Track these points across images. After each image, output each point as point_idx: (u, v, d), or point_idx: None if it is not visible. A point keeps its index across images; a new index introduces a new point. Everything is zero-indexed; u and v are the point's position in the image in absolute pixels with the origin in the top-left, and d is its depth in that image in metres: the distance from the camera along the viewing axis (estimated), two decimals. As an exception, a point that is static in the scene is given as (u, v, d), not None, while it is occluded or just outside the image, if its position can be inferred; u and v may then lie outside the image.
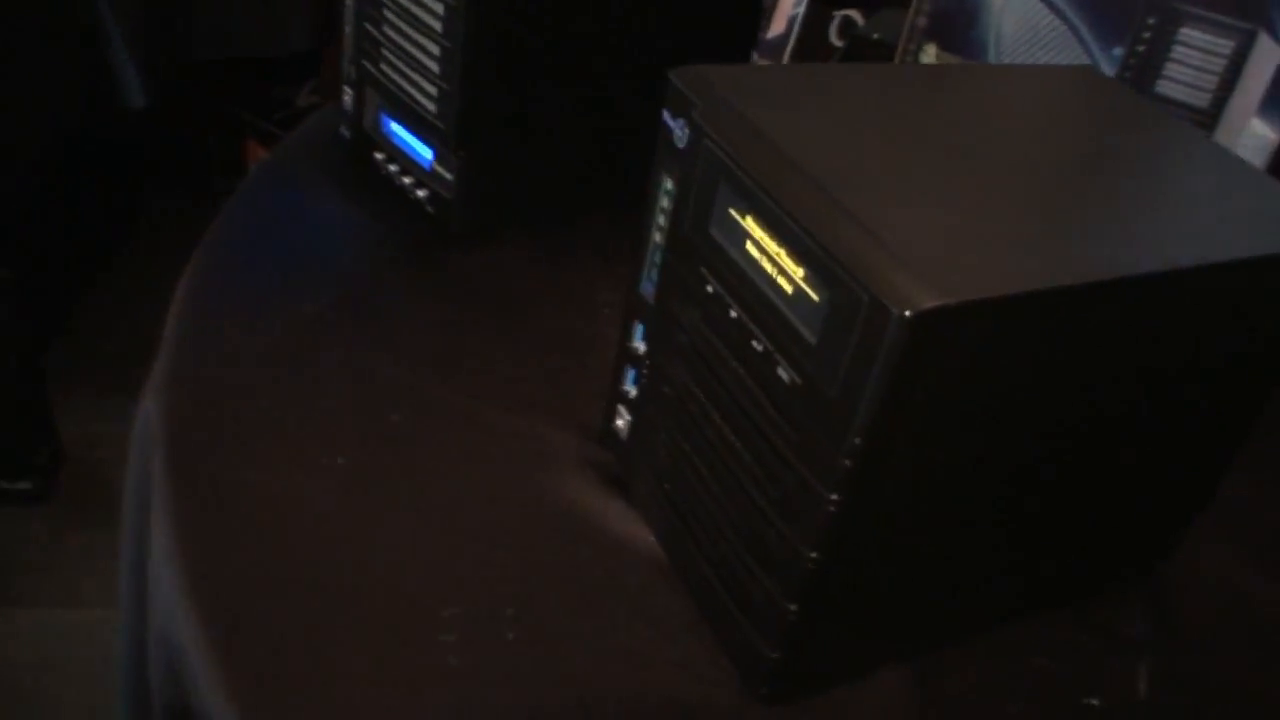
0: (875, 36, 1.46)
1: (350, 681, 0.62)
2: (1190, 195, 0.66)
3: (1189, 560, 0.80)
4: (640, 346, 0.72)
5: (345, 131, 1.09)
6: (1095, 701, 0.70)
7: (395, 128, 1.02)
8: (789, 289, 0.55)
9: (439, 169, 0.98)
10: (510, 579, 0.69)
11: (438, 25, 0.92)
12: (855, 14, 1.55)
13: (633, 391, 0.74)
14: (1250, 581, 0.81)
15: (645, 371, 0.71)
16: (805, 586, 0.58)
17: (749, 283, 0.58)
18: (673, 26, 1.03)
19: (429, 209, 1.01)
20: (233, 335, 0.84)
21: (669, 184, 0.66)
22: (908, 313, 0.48)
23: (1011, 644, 0.72)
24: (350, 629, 0.65)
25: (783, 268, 0.56)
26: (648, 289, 0.71)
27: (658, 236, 0.68)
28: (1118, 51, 1.15)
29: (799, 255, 0.54)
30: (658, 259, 0.69)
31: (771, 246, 0.56)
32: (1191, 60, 1.08)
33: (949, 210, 0.56)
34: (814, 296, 0.54)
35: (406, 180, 1.02)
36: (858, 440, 0.52)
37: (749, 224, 0.58)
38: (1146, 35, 1.11)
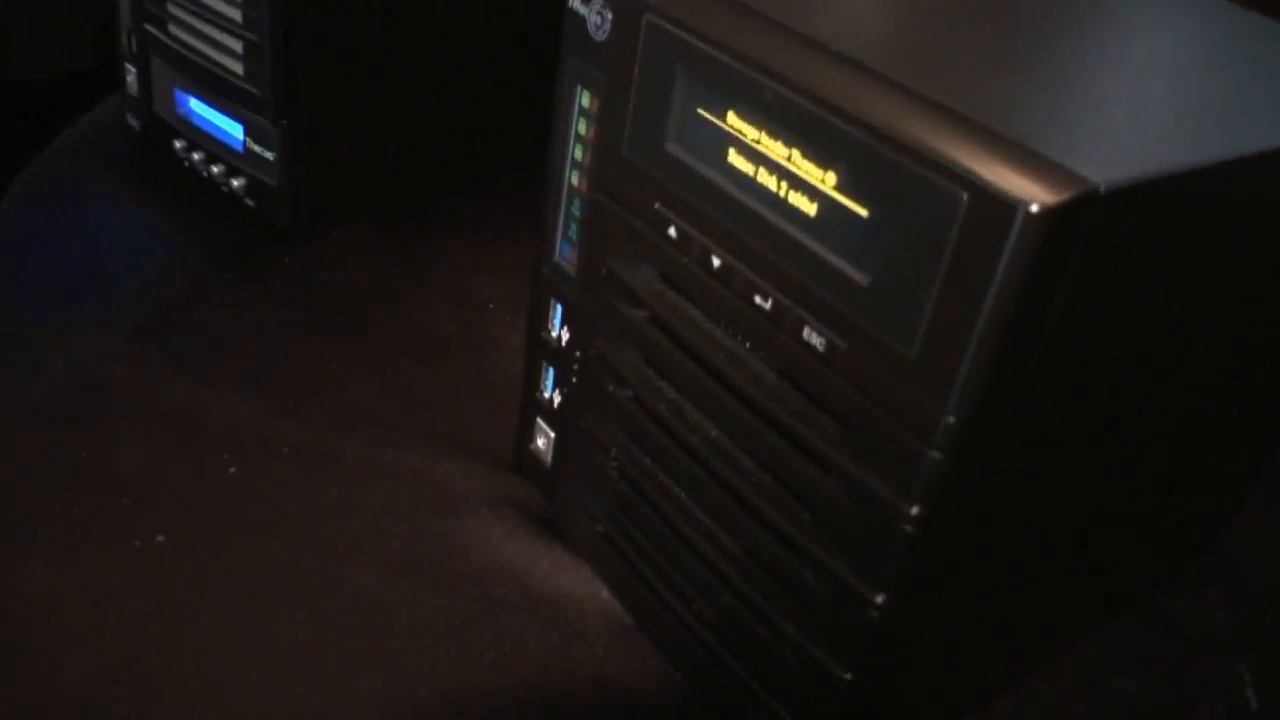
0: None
1: None
2: (1266, 64, 0.50)
3: (1245, 536, 0.65)
4: (561, 335, 0.52)
5: (133, 120, 0.89)
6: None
7: (195, 105, 0.82)
8: (811, 209, 0.37)
9: (255, 148, 0.78)
10: (423, 678, 0.49)
11: (232, -42, 0.71)
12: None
13: (555, 397, 0.54)
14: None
15: (575, 367, 0.51)
16: (868, 644, 0.40)
17: (739, 210, 0.39)
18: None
19: (248, 201, 0.81)
20: (10, 379, 0.61)
21: (585, 98, 0.47)
22: (1035, 207, 0.30)
23: (1086, 668, 0.55)
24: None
25: (799, 177, 0.37)
26: (565, 255, 0.51)
27: (574, 178, 0.49)
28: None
29: (828, 153, 0.35)
30: (577, 210, 0.49)
31: (776, 150, 0.37)
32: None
33: (1019, 77, 0.39)
34: (860, 211, 0.35)
35: (216, 169, 0.82)
36: (953, 419, 0.34)
37: (732, 124, 0.39)
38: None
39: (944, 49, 0.40)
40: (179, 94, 0.83)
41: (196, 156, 0.83)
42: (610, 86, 0.45)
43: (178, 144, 0.85)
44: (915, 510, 0.36)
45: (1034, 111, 0.36)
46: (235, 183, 0.81)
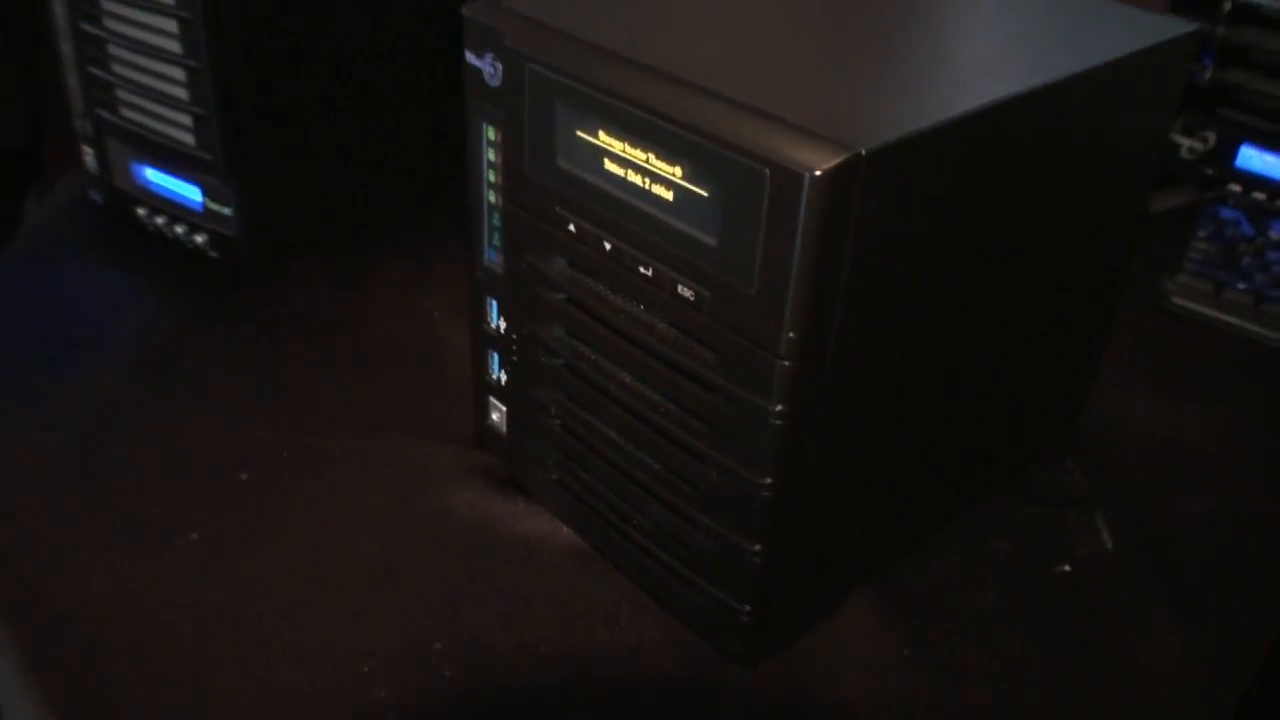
0: None
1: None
2: (1031, 21, 0.62)
3: (1096, 411, 0.78)
4: (499, 325, 0.64)
5: (95, 195, 0.97)
6: (1067, 568, 0.66)
7: (152, 175, 0.91)
8: (668, 195, 0.49)
9: (213, 206, 0.88)
10: (428, 613, 0.61)
11: (175, 47, 0.82)
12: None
13: (501, 377, 0.66)
14: (1155, 415, 0.80)
15: (514, 350, 0.63)
16: (764, 520, 0.52)
17: (618, 204, 0.51)
18: (427, 7, 0.96)
19: (212, 253, 0.90)
20: (22, 437, 0.72)
21: (490, 132, 0.59)
22: (817, 171, 0.43)
23: (966, 536, 0.68)
24: (272, 711, 0.55)
25: (656, 173, 0.49)
26: (493, 259, 0.63)
27: (491, 196, 0.61)
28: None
29: (673, 153, 0.48)
30: (497, 221, 0.61)
31: (637, 155, 0.49)
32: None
33: (803, 69, 0.51)
34: (701, 192, 0.47)
35: (179, 229, 0.92)
36: (792, 334, 0.46)
37: (603, 140, 0.51)
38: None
39: (753, 58, 0.52)
40: (135, 166, 0.92)
41: (159, 220, 0.92)
42: (508, 121, 0.57)
43: (140, 211, 0.93)
44: (779, 407, 0.48)
45: (814, 98, 0.48)
46: (198, 239, 0.91)
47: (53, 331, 0.83)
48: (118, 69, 0.87)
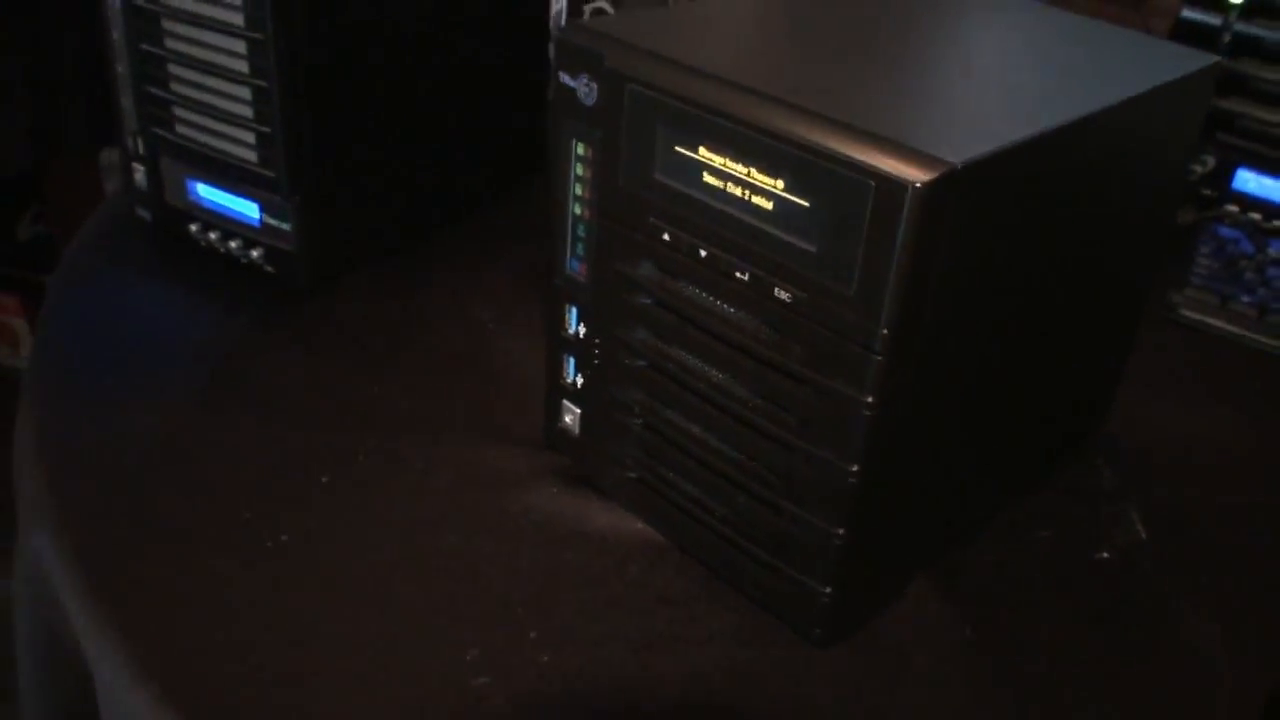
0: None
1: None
2: (1072, 51, 0.68)
3: (1120, 416, 0.83)
4: (579, 331, 0.68)
5: (144, 213, 1.00)
6: (1106, 555, 0.71)
7: (207, 192, 0.94)
8: (768, 205, 0.53)
9: (271, 222, 0.91)
10: (517, 604, 0.64)
11: (243, 67, 0.85)
12: (606, 5, 1.56)
13: (578, 381, 0.70)
14: (1173, 418, 0.85)
15: (595, 354, 0.67)
16: (850, 506, 0.56)
17: (716, 214, 0.56)
18: (479, 27, 1.00)
19: (268, 268, 0.94)
20: (109, 443, 0.75)
21: (580, 148, 0.63)
22: (918, 183, 0.47)
23: (1011, 528, 0.72)
24: (380, 696, 0.58)
25: (756, 186, 0.53)
26: (575, 268, 0.67)
27: (577, 209, 0.65)
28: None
29: (775, 167, 0.52)
30: (581, 232, 0.65)
31: (738, 169, 0.54)
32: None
33: (885, 90, 0.56)
34: (803, 203, 0.52)
35: (234, 245, 0.95)
36: (885, 331, 0.51)
37: (703, 155, 0.55)
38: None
39: (838, 80, 0.57)
40: (190, 183, 0.95)
41: (213, 236, 0.95)
42: (603, 137, 0.61)
43: (193, 227, 0.96)
44: (870, 399, 0.53)
45: (908, 116, 0.53)
46: (254, 254, 0.94)
47: (118, 346, 0.85)
48: (177, 88, 0.91)
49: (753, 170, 0.53)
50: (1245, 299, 0.97)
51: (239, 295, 0.91)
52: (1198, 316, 0.97)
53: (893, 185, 0.48)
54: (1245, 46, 1.07)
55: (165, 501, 0.70)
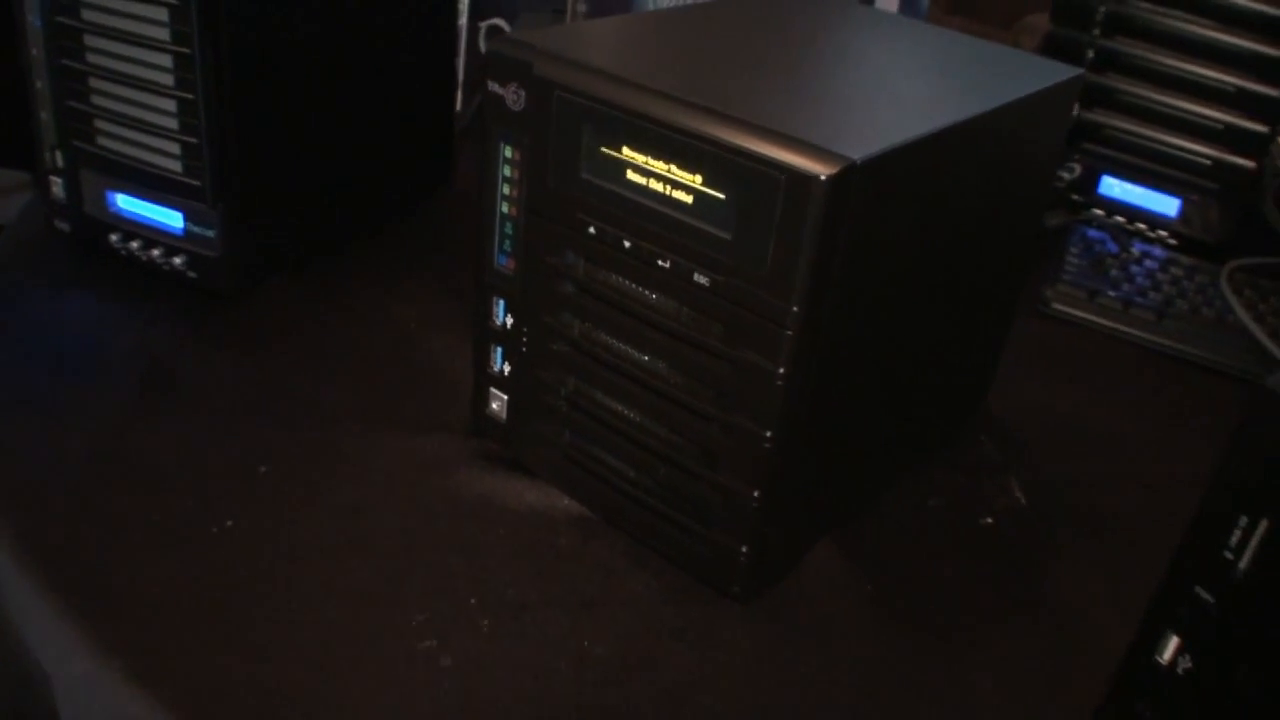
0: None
1: (357, 699, 0.60)
2: (953, 63, 0.75)
3: (999, 396, 0.91)
4: (506, 322, 0.73)
5: (62, 225, 1.02)
6: (990, 520, 0.78)
7: (127, 202, 0.96)
8: (688, 199, 0.59)
9: (195, 229, 0.94)
10: (457, 575, 0.69)
11: (169, 80, 0.88)
12: (501, 22, 1.62)
13: (505, 369, 0.75)
14: (1047, 399, 0.93)
15: (523, 342, 0.72)
16: (765, 469, 0.62)
17: (640, 208, 0.61)
18: (395, 43, 1.05)
19: (191, 275, 0.96)
20: (45, 450, 0.77)
21: (508, 151, 0.68)
22: (823, 176, 0.54)
23: (904, 498, 0.79)
24: (336, 662, 0.62)
25: (677, 181, 0.59)
26: (502, 262, 0.72)
27: (505, 207, 0.70)
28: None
29: (693, 164, 0.58)
30: (509, 229, 0.70)
31: (659, 166, 0.60)
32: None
33: (791, 95, 0.62)
34: (719, 195, 0.58)
35: (156, 253, 0.97)
36: (796, 308, 0.57)
37: (627, 155, 0.61)
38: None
39: (747, 86, 0.63)
40: (109, 194, 0.97)
41: (134, 245, 0.97)
42: (531, 141, 0.66)
43: (113, 238, 0.98)
44: (782, 370, 0.59)
45: (812, 118, 0.59)
46: (176, 261, 0.96)
47: (48, 356, 0.86)
48: (99, 101, 0.93)
49: (673, 167, 0.59)
50: (1111, 293, 1.06)
51: (163, 303, 0.94)
52: (1067, 309, 1.06)
53: (801, 178, 0.54)
54: (1108, 61, 1.17)
55: (106, 500, 0.72)
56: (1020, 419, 0.90)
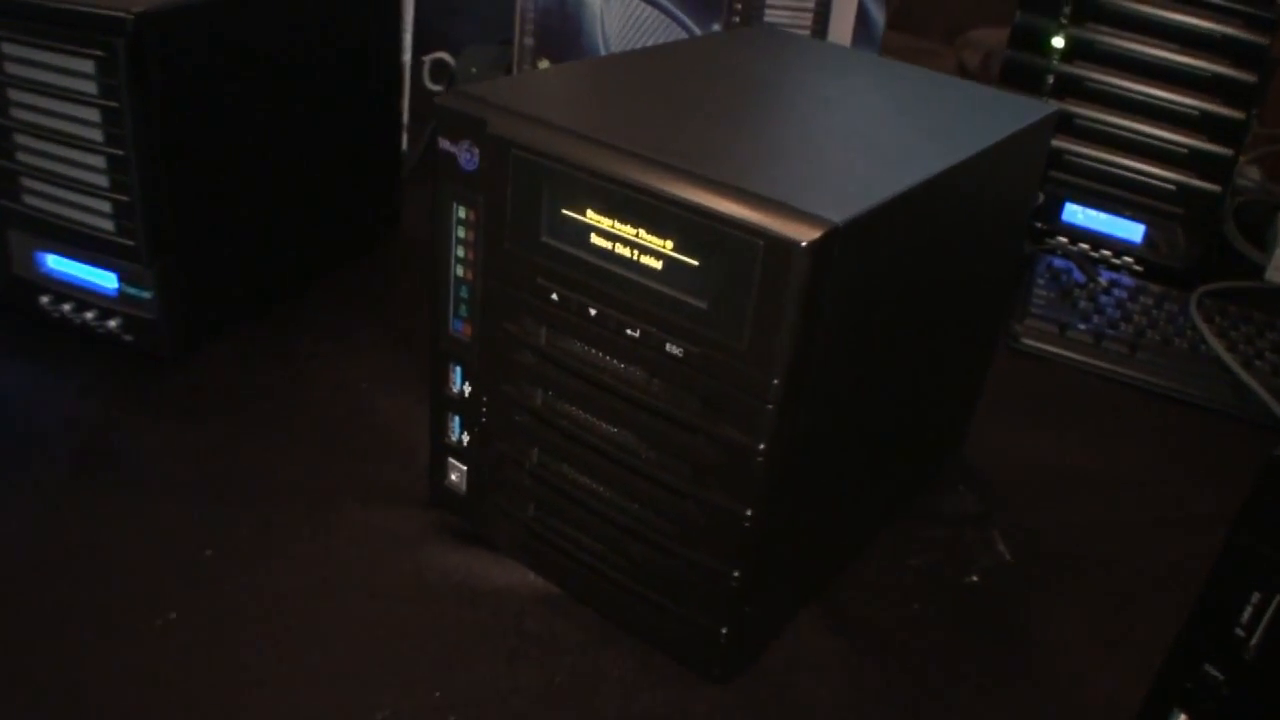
0: (473, 71, 1.48)
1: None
2: (926, 106, 0.72)
3: (975, 441, 0.88)
4: (464, 390, 0.69)
5: (-12, 287, 0.96)
6: (975, 578, 0.75)
7: (57, 263, 0.91)
8: (658, 265, 0.55)
9: (130, 291, 0.89)
10: (419, 664, 0.64)
11: (98, 135, 0.83)
12: (446, 55, 1.58)
13: (464, 439, 0.71)
14: (1023, 442, 0.90)
15: (482, 410, 0.68)
16: (746, 548, 0.58)
17: (605, 274, 0.58)
18: (334, 89, 1.00)
19: (127, 339, 0.91)
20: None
21: (462, 212, 0.64)
22: (804, 242, 0.50)
23: (885, 556, 0.76)
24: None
25: (645, 246, 0.55)
26: (458, 328, 0.68)
27: (459, 270, 0.66)
28: (716, 27, 1.24)
29: (663, 229, 0.54)
30: (464, 293, 0.66)
31: (626, 230, 0.56)
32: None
33: (764, 153, 0.59)
34: (692, 261, 0.54)
35: (89, 315, 0.92)
36: (777, 381, 0.53)
37: (591, 218, 0.57)
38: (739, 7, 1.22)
39: (717, 141, 0.60)
40: (38, 255, 0.93)
41: (66, 308, 0.92)
42: (486, 201, 0.62)
43: (44, 300, 0.93)
44: (762, 446, 0.55)
45: (788, 176, 0.56)
46: (111, 324, 0.91)
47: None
48: (25, 158, 0.88)
49: (641, 231, 0.55)
50: (1082, 326, 1.03)
51: (98, 369, 0.89)
52: (1039, 344, 1.03)
53: (781, 245, 0.50)
54: (1068, 87, 1.15)
55: (38, 592, 0.68)
56: (998, 464, 0.87)
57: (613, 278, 0.57)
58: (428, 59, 1.55)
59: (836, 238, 0.51)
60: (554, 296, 0.60)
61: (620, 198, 0.55)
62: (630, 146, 0.56)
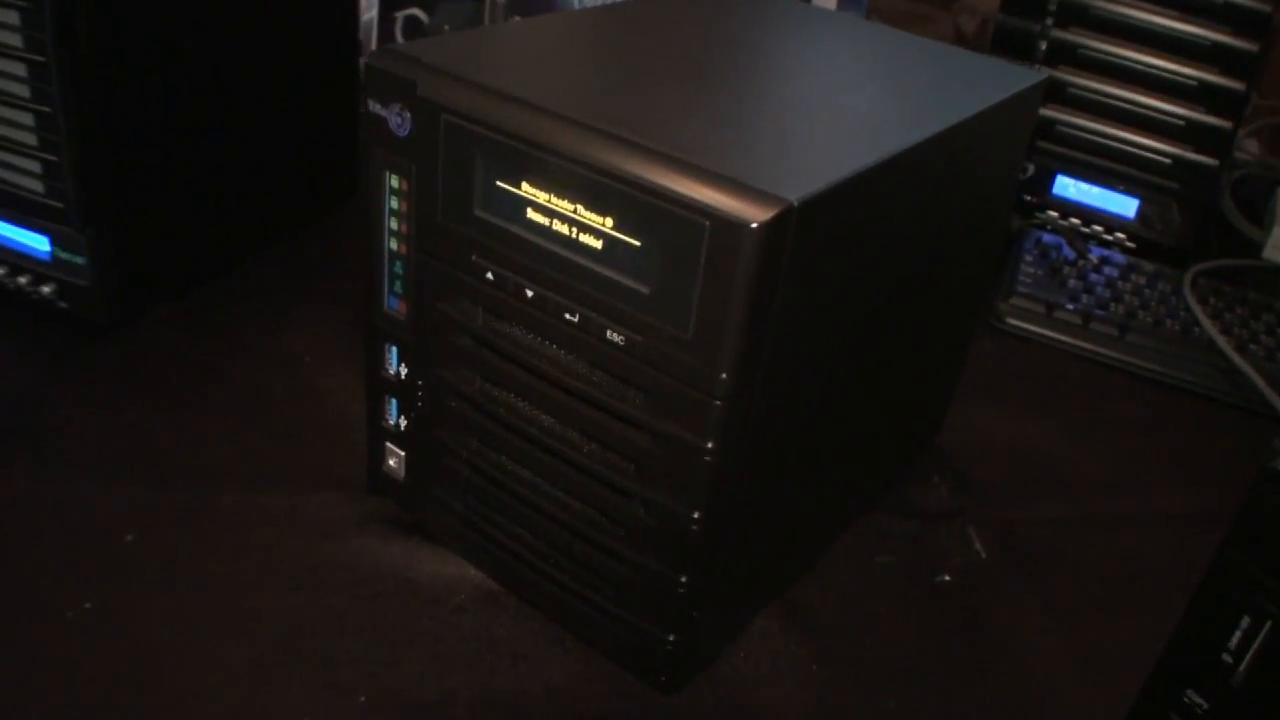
0: (446, 28, 1.43)
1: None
2: (903, 72, 0.67)
3: (952, 428, 0.83)
4: (400, 371, 0.64)
5: (-83, 250, 0.91)
6: (947, 577, 0.71)
7: (-12, 225, 0.86)
8: (597, 244, 0.50)
9: (63, 255, 0.84)
10: (345, 664, 0.60)
11: (24, 91, 0.78)
12: (419, 12, 1.51)
13: (401, 423, 0.66)
14: (1003, 430, 0.85)
15: (419, 394, 0.63)
16: (694, 553, 0.54)
17: (542, 252, 0.53)
18: (285, 43, 0.95)
19: (61, 305, 0.86)
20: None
21: (395, 181, 0.59)
22: (755, 224, 0.45)
23: (852, 554, 0.71)
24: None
25: (584, 224, 0.50)
26: (394, 306, 0.63)
27: (394, 244, 0.61)
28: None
29: (603, 205, 0.49)
30: (399, 269, 0.61)
31: (564, 205, 0.51)
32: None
33: (717, 123, 0.54)
34: (634, 242, 0.49)
35: (22, 281, 0.87)
36: (725, 375, 0.48)
37: (526, 191, 0.52)
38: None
39: (666, 109, 0.55)
40: (-32, 217, 0.88)
41: (-1, 272, 0.88)
42: (418, 170, 0.57)
43: (-28, 265, 0.89)
44: (710, 444, 0.51)
45: (741, 149, 0.51)
46: (44, 289, 0.87)
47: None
48: (-50, 115, 0.83)
49: (579, 207, 0.50)
50: (1070, 306, 0.98)
51: (30, 337, 0.84)
52: (1023, 325, 0.98)
53: (729, 225, 0.45)
54: (1062, 54, 1.09)
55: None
56: (975, 453, 0.83)
57: (550, 257, 0.52)
58: (400, 15, 1.48)
59: (791, 218, 0.46)
60: (489, 275, 0.55)
61: (557, 170, 0.50)
62: (569, 113, 0.51)
